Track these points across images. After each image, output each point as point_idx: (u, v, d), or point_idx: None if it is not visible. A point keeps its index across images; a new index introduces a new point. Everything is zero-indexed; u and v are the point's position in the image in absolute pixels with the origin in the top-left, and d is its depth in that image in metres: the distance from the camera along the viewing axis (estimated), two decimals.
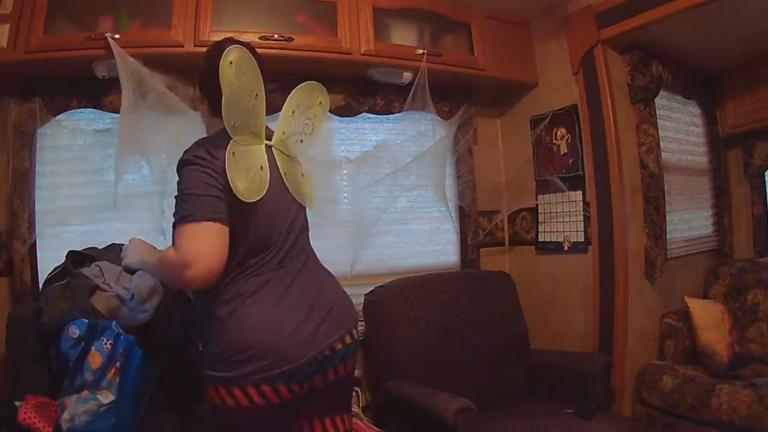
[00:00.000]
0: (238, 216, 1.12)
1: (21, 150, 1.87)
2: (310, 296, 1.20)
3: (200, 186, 1.07)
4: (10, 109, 1.88)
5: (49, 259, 1.92)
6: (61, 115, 1.94)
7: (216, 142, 1.14)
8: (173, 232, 1.07)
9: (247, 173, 1.13)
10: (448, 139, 2.48)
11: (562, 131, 2.44)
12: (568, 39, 2.37)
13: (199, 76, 1.27)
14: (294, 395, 1.13)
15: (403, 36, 2.28)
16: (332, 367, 1.19)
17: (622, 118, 2.25)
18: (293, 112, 1.33)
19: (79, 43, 1.77)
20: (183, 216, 1.06)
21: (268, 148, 1.25)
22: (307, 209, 1.37)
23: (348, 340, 1.21)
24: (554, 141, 2.48)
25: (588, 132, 2.30)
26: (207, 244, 1.04)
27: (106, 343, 1.45)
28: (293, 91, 1.33)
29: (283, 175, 1.27)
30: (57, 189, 1.96)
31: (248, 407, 1.08)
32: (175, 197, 1.10)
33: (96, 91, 1.94)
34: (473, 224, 2.63)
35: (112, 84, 1.86)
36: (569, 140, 2.40)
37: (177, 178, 1.12)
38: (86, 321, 1.46)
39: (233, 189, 1.07)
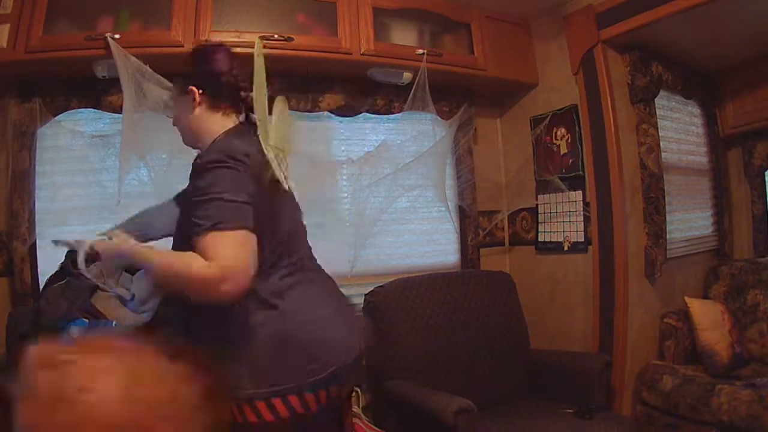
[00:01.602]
0: (272, 214, 1.09)
1: (21, 150, 1.87)
2: (338, 297, 1.20)
3: (234, 191, 0.99)
4: (10, 109, 1.88)
5: (49, 259, 1.93)
6: (61, 115, 1.95)
7: (240, 139, 1.09)
8: (200, 238, 0.96)
9: (277, 166, 1.12)
10: (448, 139, 2.48)
11: (562, 131, 2.44)
12: (568, 39, 2.37)
13: (195, 77, 1.19)
14: (331, 399, 1.09)
15: (403, 36, 2.28)
16: (356, 372, 1.19)
17: (622, 118, 2.25)
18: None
19: (79, 43, 1.77)
20: (215, 222, 0.95)
21: None
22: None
23: (362, 345, 1.21)
24: (554, 141, 2.48)
25: (588, 132, 2.30)
26: (243, 255, 0.96)
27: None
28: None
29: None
30: (57, 189, 1.96)
31: (287, 419, 1.02)
32: (201, 200, 0.98)
33: (96, 91, 1.94)
34: (473, 224, 2.63)
35: (112, 84, 1.86)
36: (569, 140, 2.40)
37: (198, 180, 1.01)
38: (87, 321, 1.46)
39: (281, 181, 1.07)
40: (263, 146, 1.09)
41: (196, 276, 0.93)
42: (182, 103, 1.20)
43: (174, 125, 1.26)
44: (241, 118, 1.20)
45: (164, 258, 1.04)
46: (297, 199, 1.28)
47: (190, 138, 1.23)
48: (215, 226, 0.95)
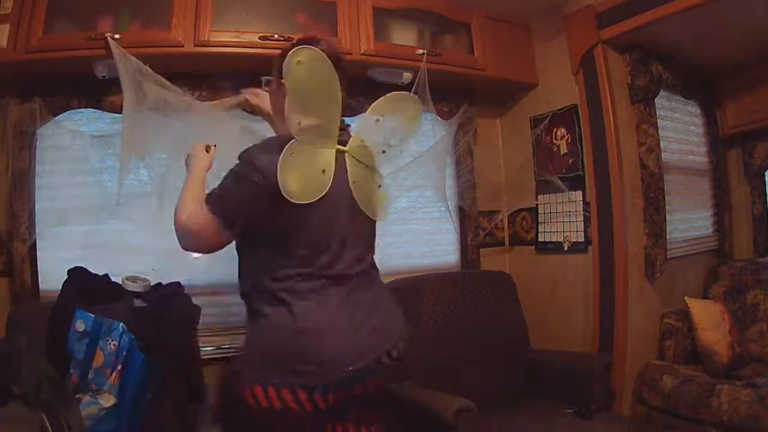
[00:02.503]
0: (291, 217, 1.12)
1: (21, 150, 1.87)
2: (366, 307, 1.19)
3: (237, 189, 1.13)
4: (10, 109, 1.88)
5: (49, 259, 1.93)
6: (61, 115, 1.94)
7: (279, 145, 1.13)
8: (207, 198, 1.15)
9: (302, 174, 1.12)
10: (448, 139, 2.48)
11: (562, 131, 2.44)
12: (568, 39, 2.37)
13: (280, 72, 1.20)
14: (327, 404, 1.11)
15: (403, 36, 2.28)
16: (372, 379, 1.19)
17: (622, 118, 2.25)
18: (377, 120, 1.30)
19: (79, 43, 1.77)
20: (208, 196, 1.15)
21: (341, 153, 1.23)
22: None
23: (394, 354, 1.21)
24: (554, 141, 2.48)
25: (588, 132, 2.30)
26: (202, 235, 1.14)
27: (110, 343, 1.45)
28: (380, 99, 1.31)
29: (351, 183, 1.23)
30: (57, 189, 1.96)
31: (282, 410, 1.06)
32: (225, 176, 1.16)
33: (96, 91, 1.94)
34: (473, 224, 2.63)
35: (112, 84, 1.86)
36: (569, 140, 2.40)
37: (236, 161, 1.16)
38: (92, 316, 1.46)
39: (282, 188, 1.08)
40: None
41: (179, 214, 1.16)
42: (277, 94, 1.25)
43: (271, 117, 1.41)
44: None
45: (190, 187, 1.24)
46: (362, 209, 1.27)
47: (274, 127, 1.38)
48: (207, 198, 1.15)
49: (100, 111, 1.98)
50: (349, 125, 1.33)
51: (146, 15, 1.88)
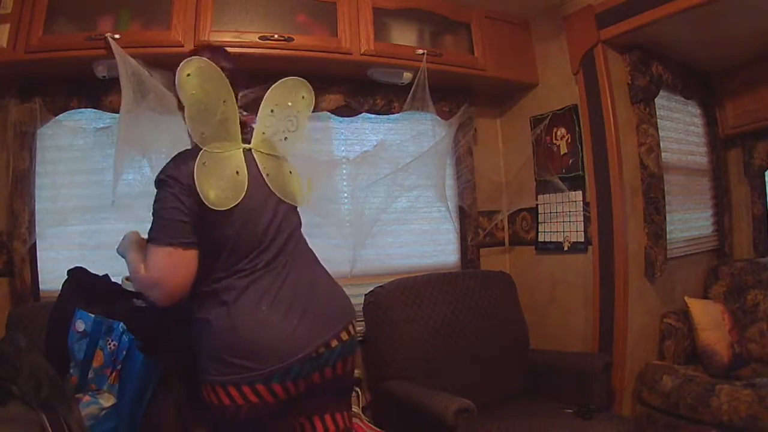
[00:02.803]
0: (217, 224, 1.15)
1: (21, 150, 1.87)
2: (303, 294, 1.20)
3: (167, 209, 1.12)
4: (10, 109, 1.88)
5: (49, 259, 1.93)
6: (61, 115, 1.94)
7: (192, 154, 1.15)
8: (148, 239, 1.14)
9: (219, 181, 1.15)
10: (448, 139, 2.48)
11: (562, 131, 2.44)
12: (568, 39, 2.37)
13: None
14: (289, 393, 1.14)
15: (403, 36, 2.28)
16: (329, 364, 1.19)
17: (622, 118, 2.25)
18: (272, 110, 1.33)
19: (79, 43, 1.77)
20: (150, 237, 1.13)
21: (247, 151, 1.26)
22: (298, 207, 1.37)
23: (345, 336, 1.22)
24: (554, 141, 2.48)
25: (588, 132, 2.30)
26: (168, 269, 1.10)
27: (110, 343, 1.45)
28: (269, 90, 1.33)
29: (265, 176, 1.27)
30: (57, 189, 1.96)
31: (244, 406, 1.09)
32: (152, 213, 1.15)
33: (96, 91, 1.94)
34: (473, 224, 2.63)
35: (112, 84, 1.86)
36: (569, 140, 2.40)
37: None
38: (92, 316, 1.46)
39: (204, 199, 1.11)
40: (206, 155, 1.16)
41: (136, 276, 1.16)
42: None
43: None
44: None
45: (131, 256, 1.22)
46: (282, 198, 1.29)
47: None
48: (150, 240, 1.12)
49: (100, 111, 1.98)
50: (252, 116, 1.35)
51: (146, 15, 1.88)
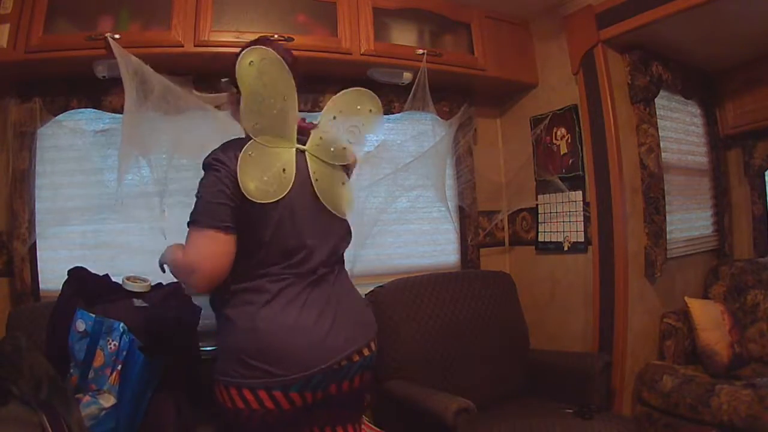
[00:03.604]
0: (258, 219, 1.13)
1: (21, 150, 1.87)
2: (334, 306, 1.19)
3: (211, 193, 1.10)
4: (10, 109, 1.88)
5: (50, 259, 1.93)
6: (61, 115, 1.94)
7: (241, 143, 1.14)
8: (190, 220, 1.12)
9: (262, 174, 1.13)
10: (448, 139, 2.48)
11: (562, 131, 2.44)
12: (568, 39, 2.37)
13: (232, 77, 1.20)
14: (305, 403, 1.12)
15: (403, 36, 2.28)
16: (348, 378, 1.18)
17: (622, 118, 2.25)
18: (334, 117, 1.29)
19: (79, 43, 1.77)
20: (191, 220, 1.11)
21: (299, 152, 1.23)
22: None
23: (366, 352, 1.21)
24: (554, 141, 2.48)
25: (588, 132, 2.30)
26: (208, 253, 1.08)
27: (110, 343, 1.45)
28: (335, 96, 1.30)
29: (314, 181, 1.23)
30: (57, 189, 1.96)
31: (258, 411, 1.07)
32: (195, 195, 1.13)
33: (96, 91, 1.94)
34: (473, 224, 2.63)
35: (112, 84, 1.86)
36: (569, 140, 2.40)
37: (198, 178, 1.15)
38: (93, 316, 1.46)
39: (243, 189, 1.09)
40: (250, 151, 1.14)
41: (176, 263, 1.15)
42: (231, 102, 1.27)
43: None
44: None
45: (168, 249, 1.22)
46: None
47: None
48: (191, 223, 1.10)
49: (100, 111, 1.97)
50: (315, 123, 1.32)
51: (146, 15, 1.88)
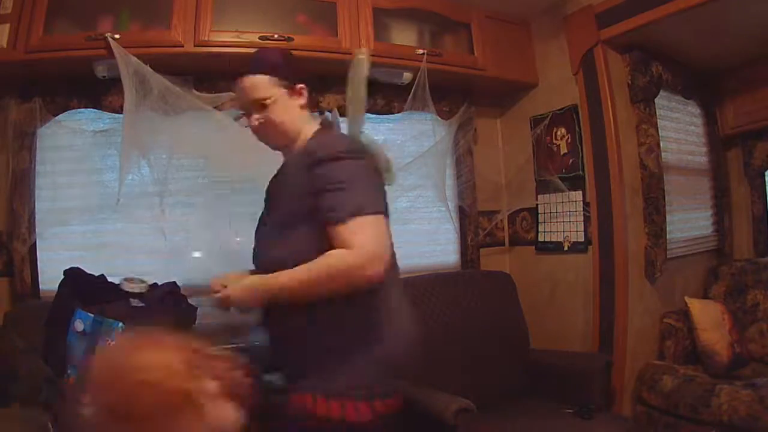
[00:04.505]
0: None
1: (21, 150, 1.87)
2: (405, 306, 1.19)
3: (364, 178, 1.04)
4: (10, 109, 1.88)
5: (50, 259, 1.93)
6: (61, 115, 1.94)
7: (347, 137, 1.17)
8: (340, 226, 0.97)
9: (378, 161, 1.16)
10: (448, 139, 2.48)
11: (562, 131, 2.44)
12: (568, 39, 2.37)
13: (290, 77, 1.19)
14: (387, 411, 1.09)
15: (403, 36, 2.28)
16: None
17: (622, 118, 2.25)
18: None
19: (79, 43, 1.77)
20: (351, 211, 0.97)
21: None
22: None
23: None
24: (554, 141, 2.48)
25: (588, 132, 2.30)
26: (383, 240, 0.99)
27: (109, 344, 1.45)
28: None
29: None
30: (57, 189, 1.96)
31: (351, 423, 1.01)
32: (328, 190, 1.00)
33: (96, 91, 1.94)
34: (473, 224, 2.63)
35: (112, 84, 1.86)
36: (569, 140, 2.40)
37: (331, 171, 1.01)
38: (91, 316, 1.46)
39: (387, 176, 1.12)
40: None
41: (346, 266, 0.96)
42: (284, 102, 1.16)
43: (259, 128, 1.18)
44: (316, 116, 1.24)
45: (306, 272, 0.99)
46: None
47: (284, 138, 1.18)
48: (353, 214, 0.97)
49: (100, 111, 1.97)
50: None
51: (146, 15, 1.89)
